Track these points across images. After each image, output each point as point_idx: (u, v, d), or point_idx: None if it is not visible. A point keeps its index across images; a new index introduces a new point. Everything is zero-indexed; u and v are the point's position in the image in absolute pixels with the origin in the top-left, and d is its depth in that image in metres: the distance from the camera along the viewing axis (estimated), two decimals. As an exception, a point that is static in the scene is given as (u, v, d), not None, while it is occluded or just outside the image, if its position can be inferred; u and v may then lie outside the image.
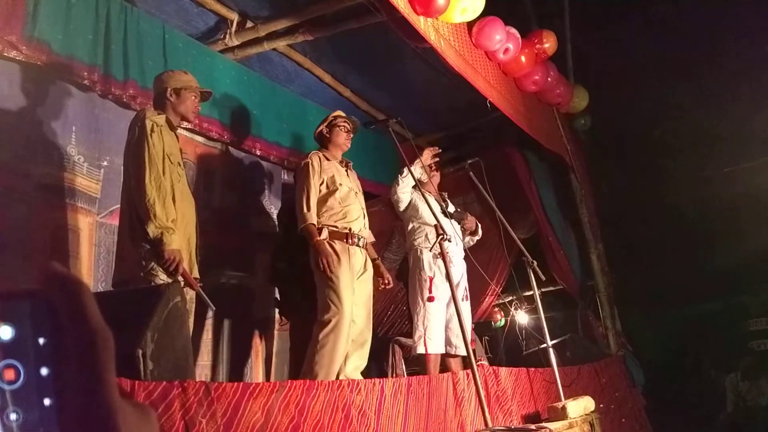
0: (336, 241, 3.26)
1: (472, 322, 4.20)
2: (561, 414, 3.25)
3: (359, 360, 3.27)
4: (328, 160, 3.46)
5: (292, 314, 3.90)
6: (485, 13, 3.62)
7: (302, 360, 3.40)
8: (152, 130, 2.66)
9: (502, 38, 3.97)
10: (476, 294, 5.09)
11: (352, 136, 3.59)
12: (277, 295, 4.02)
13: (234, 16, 3.92)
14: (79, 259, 3.06)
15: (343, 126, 3.54)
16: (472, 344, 3.74)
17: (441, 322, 3.67)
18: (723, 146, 5.93)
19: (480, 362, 3.67)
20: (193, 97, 2.94)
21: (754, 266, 6.18)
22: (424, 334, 3.58)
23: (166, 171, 2.66)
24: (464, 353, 3.38)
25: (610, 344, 5.63)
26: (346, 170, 3.54)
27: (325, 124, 3.57)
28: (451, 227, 3.80)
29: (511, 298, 5.78)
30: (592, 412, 3.54)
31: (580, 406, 3.41)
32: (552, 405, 3.38)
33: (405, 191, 3.79)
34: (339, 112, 3.63)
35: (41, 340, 0.35)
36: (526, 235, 5.36)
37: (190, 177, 3.64)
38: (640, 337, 6.20)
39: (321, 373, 2.99)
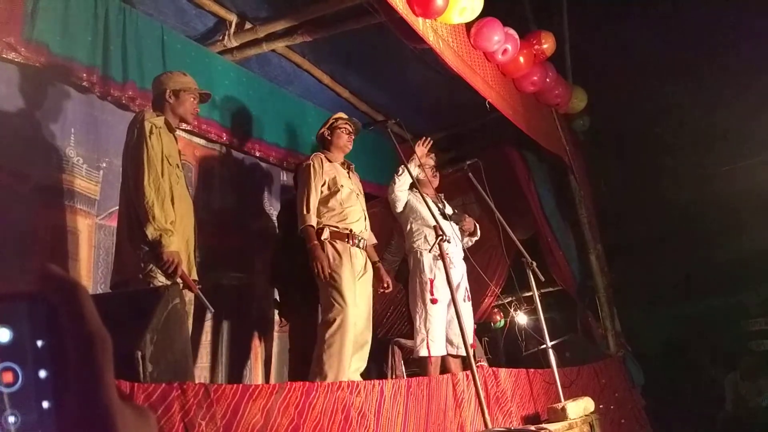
0: (337, 241, 3.27)
1: (474, 324, 4.20)
2: (561, 415, 3.25)
3: (359, 361, 3.27)
4: (330, 161, 3.49)
5: (291, 315, 3.90)
6: (483, 14, 3.62)
7: (302, 361, 3.40)
8: (151, 132, 2.66)
9: (500, 39, 3.98)
10: (476, 295, 5.09)
11: (353, 138, 3.60)
12: (277, 296, 4.02)
13: (233, 18, 3.92)
14: (78, 260, 3.06)
15: (345, 128, 3.56)
16: (473, 345, 3.74)
17: (443, 324, 3.67)
18: (723, 145, 5.94)
19: (479, 363, 3.67)
20: (192, 99, 2.94)
21: (754, 265, 6.19)
22: (427, 336, 3.58)
23: (164, 173, 2.66)
24: (464, 353, 3.38)
25: (610, 345, 5.63)
26: (348, 172, 3.56)
27: (327, 126, 3.58)
28: (450, 228, 3.80)
29: (510, 299, 5.78)
30: (591, 412, 3.53)
31: (580, 407, 3.40)
32: (552, 406, 3.38)
33: (402, 190, 3.79)
34: (341, 114, 3.64)
35: (39, 343, 0.35)
36: (525, 236, 5.36)
37: (189, 179, 3.64)
38: (640, 337, 6.20)
39: (331, 374, 2.99)
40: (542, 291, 4.34)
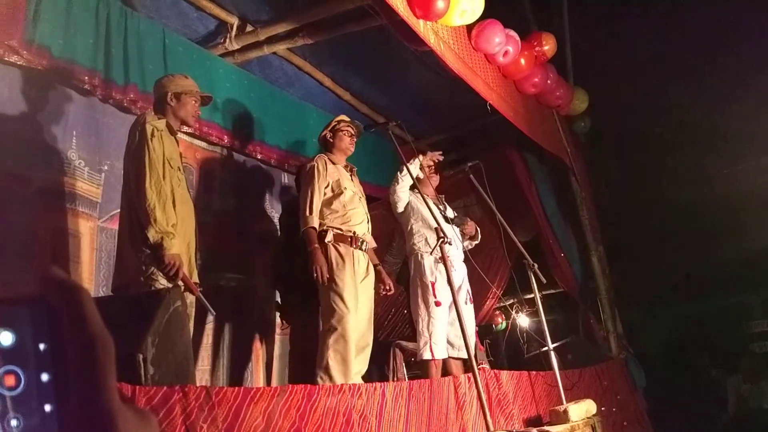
0: (340, 244, 3.27)
1: (475, 326, 4.19)
2: (563, 417, 3.24)
3: (360, 364, 3.26)
4: (333, 164, 3.49)
5: (292, 318, 3.90)
6: (484, 16, 3.62)
7: (303, 364, 3.39)
8: (152, 135, 2.66)
9: (501, 41, 3.98)
10: (477, 297, 5.08)
11: (355, 140, 3.61)
12: (278, 299, 4.02)
13: (234, 20, 3.93)
14: (80, 263, 3.06)
15: (347, 130, 3.56)
16: (480, 348, 3.73)
17: (445, 327, 3.67)
18: (723, 145, 5.93)
19: (481, 366, 3.66)
20: (194, 102, 2.94)
21: (755, 266, 6.17)
22: (430, 339, 3.57)
23: (166, 175, 2.66)
24: (465, 356, 3.38)
25: (612, 347, 5.62)
26: (350, 175, 3.56)
27: (329, 128, 3.59)
28: (451, 230, 3.80)
29: (512, 301, 5.77)
30: (593, 415, 3.53)
31: (582, 410, 3.40)
32: (554, 408, 3.37)
33: (404, 190, 3.79)
34: (343, 117, 3.65)
35: (42, 346, 0.35)
36: (527, 238, 5.35)
37: (190, 181, 3.64)
38: (641, 339, 6.19)
39: (338, 380, 2.99)
40: (544, 293, 4.33)
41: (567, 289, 5.75)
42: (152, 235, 2.53)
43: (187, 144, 3.72)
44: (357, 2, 3.60)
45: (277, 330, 4.14)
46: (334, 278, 3.17)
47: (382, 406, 2.27)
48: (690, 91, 5.73)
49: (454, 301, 3.18)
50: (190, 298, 2.70)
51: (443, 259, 3.20)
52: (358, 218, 3.39)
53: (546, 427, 3.04)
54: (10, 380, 0.34)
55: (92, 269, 3.12)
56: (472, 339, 3.63)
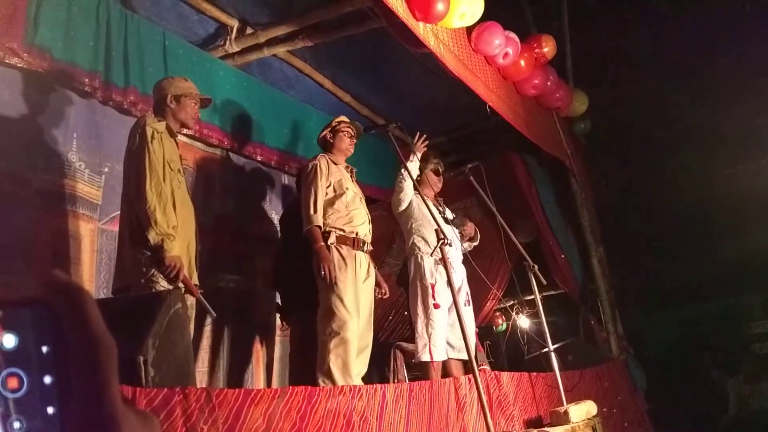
0: (343, 246, 3.25)
1: (475, 327, 4.19)
2: (563, 419, 3.24)
3: (360, 365, 3.25)
4: (335, 164, 3.47)
5: (293, 319, 3.89)
6: (484, 18, 3.63)
7: (303, 365, 3.39)
8: (152, 137, 2.67)
9: (501, 43, 3.98)
10: (478, 298, 5.08)
11: (355, 141, 3.60)
12: (278, 300, 4.02)
13: (234, 23, 3.94)
14: (81, 265, 3.06)
15: (347, 131, 3.54)
16: (480, 349, 3.73)
17: (444, 329, 3.66)
18: (725, 147, 5.93)
19: (482, 367, 3.66)
20: (193, 104, 2.94)
21: (756, 267, 6.17)
22: (429, 341, 3.57)
23: (166, 178, 2.66)
24: (466, 357, 3.38)
25: (612, 348, 5.62)
26: (351, 176, 3.55)
27: (329, 129, 3.57)
28: (451, 231, 3.80)
29: (512, 302, 5.77)
30: (594, 416, 3.53)
31: (583, 411, 3.40)
32: (554, 410, 3.37)
33: (408, 195, 3.79)
34: (342, 118, 3.64)
35: (44, 349, 0.35)
36: (527, 240, 5.35)
37: (190, 183, 3.64)
38: (642, 340, 6.18)
39: (339, 384, 2.98)
40: (544, 294, 4.33)
41: (567, 290, 5.75)
42: (153, 237, 2.54)
43: (186, 146, 3.72)
44: (357, 4, 3.60)
45: (278, 332, 4.14)
46: (336, 281, 3.15)
47: (383, 407, 2.27)
48: (690, 92, 5.73)
49: (455, 303, 3.17)
50: (191, 300, 2.70)
51: (443, 260, 3.19)
52: (360, 219, 3.37)
53: (546, 428, 3.04)
54: (12, 383, 0.34)
55: (93, 271, 3.12)
56: (472, 340, 3.63)
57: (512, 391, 3.34)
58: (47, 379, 0.35)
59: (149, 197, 2.57)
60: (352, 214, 3.34)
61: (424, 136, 3.89)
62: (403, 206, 3.82)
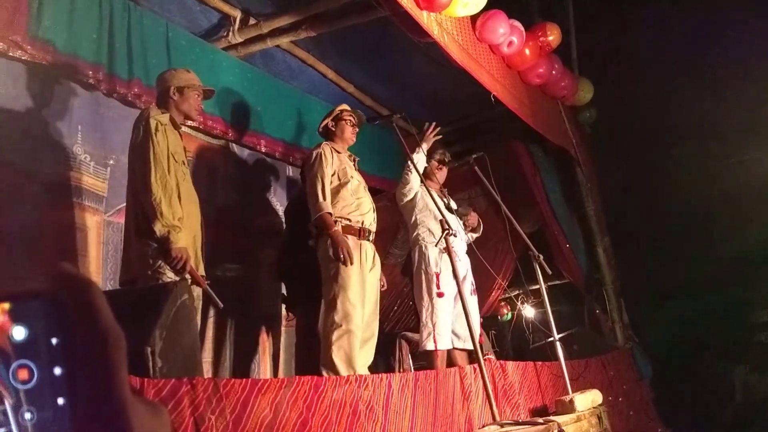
0: (349, 237, 3.21)
1: (480, 317, 4.20)
2: (569, 407, 3.25)
3: (366, 356, 3.26)
4: (338, 153, 3.42)
5: (298, 310, 3.91)
6: (488, 7, 3.60)
7: (309, 355, 3.40)
8: (157, 129, 2.67)
9: (505, 31, 3.96)
10: (482, 288, 5.08)
11: (357, 130, 3.57)
12: (284, 291, 4.03)
13: (237, 14, 3.92)
14: (88, 257, 3.08)
15: (349, 120, 3.50)
16: (481, 339, 3.74)
17: (449, 318, 3.67)
18: (729, 137, 5.89)
19: (487, 356, 3.68)
20: (196, 96, 2.94)
21: (761, 256, 6.14)
22: (434, 330, 3.57)
23: (171, 170, 2.67)
24: (471, 347, 3.39)
25: (618, 337, 5.62)
26: (354, 164, 3.51)
27: (331, 117, 3.53)
28: (455, 222, 3.80)
29: (517, 292, 5.77)
30: (599, 405, 3.53)
31: (588, 399, 3.41)
32: (560, 398, 3.39)
33: (413, 187, 3.79)
34: (344, 106, 3.60)
35: (54, 340, 0.36)
36: (532, 229, 5.34)
37: (193, 175, 3.65)
38: (647, 330, 6.18)
39: (342, 372, 2.98)
40: (549, 284, 4.33)
41: (572, 280, 5.75)
42: (159, 229, 2.55)
43: (190, 137, 3.72)
44: (360, -6, 3.59)
45: (283, 322, 4.16)
46: (340, 272, 3.13)
47: (389, 396, 2.29)
48: (696, 81, 5.69)
49: (459, 293, 3.18)
50: (197, 291, 2.72)
51: (448, 250, 3.19)
52: (365, 207, 3.34)
53: (552, 417, 3.05)
54: (23, 374, 0.35)
55: (99, 263, 3.14)
56: (477, 330, 3.64)
57: (517, 380, 3.35)
58: (57, 371, 0.35)
59: (154, 189, 2.57)
60: (357, 203, 3.31)
61: (434, 125, 3.86)
62: (408, 198, 3.82)
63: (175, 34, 3.62)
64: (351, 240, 3.22)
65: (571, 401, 3.26)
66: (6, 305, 0.35)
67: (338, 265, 3.14)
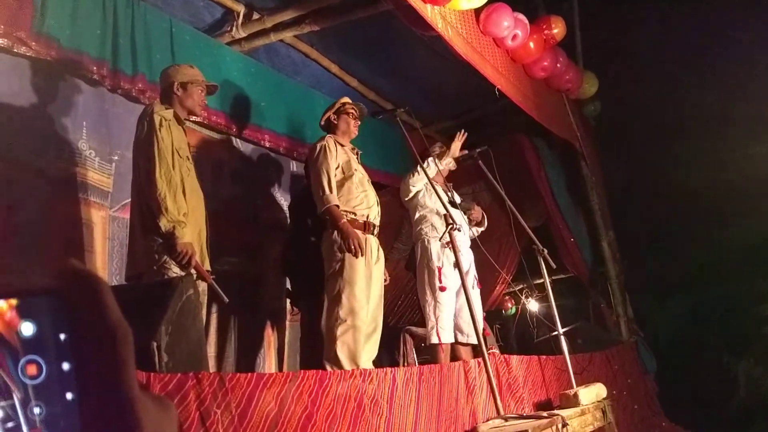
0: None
1: (483, 311, 4.20)
2: (573, 401, 3.25)
3: (371, 350, 3.26)
4: (342, 145, 3.40)
5: (303, 304, 3.93)
6: (492, 0, 3.59)
7: (314, 349, 3.41)
8: (161, 125, 2.67)
9: (509, 25, 3.94)
10: (487, 282, 5.09)
11: (359, 123, 3.54)
12: (289, 286, 4.04)
13: (240, 8, 3.92)
14: (94, 252, 3.09)
15: (351, 112, 3.47)
16: (485, 332, 3.75)
17: (451, 312, 3.68)
18: (735, 129, 5.86)
19: (491, 350, 3.68)
20: (200, 91, 2.94)
21: (767, 249, 6.11)
22: (437, 324, 3.58)
23: (175, 165, 2.67)
24: (475, 341, 3.39)
25: (622, 331, 5.62)
26: (357, 157, 3.49)
27: (333, 110, 3.49)
28: (459, 216, 3.79)
29: (521, 286, 5.77)
30: (604, 398, 3.54)
31: (592, 393, 3.41)
32: (564, 392, 3.39)
33: (418, 186, 3.79)
34: (346, 99, 3.56)
35: (62, 336, 0.36)
36: (537, 224, 5.34)
37: (197, 170, 3.65)
38: (652, 324, 6.17)
39: (346, 367, 2.98)
40: (554, 278, 4.33)
41: (577, 274, 5.75)
42: (164, 224, 2.55)
43: (194, 132, 3.72)
44: (364, -12, 3.58)
45: (288, 317, 4.17)
46: (346, 267, 3.10)
47: (393, 390, 2.30)
48: (701, 73, 5.66)
49: (464, 287, 3.18)
50: (202, 286, 2.73)
51: (452, 244, 3.19)
52: (370, 201, 3.31)
53: (556, 411, 3.06)
54: (32, 369, 0.35)
55: (105, 258, 3.16)
56: (481, 324, 3.64)
57: (522, 374, 3.35)
58: (65, 366, 0.36)
59: (159, 185, 2.58)
60: (362, 197, 3.28)
61: (464, 133, 3.86)
62: (412, 194, 3.82)
63: (179, 29, 3.62)
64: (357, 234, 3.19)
65: (576, 395, 3.27)
66: (14, 301, 0.36)
67: (344, 259, 3.11)
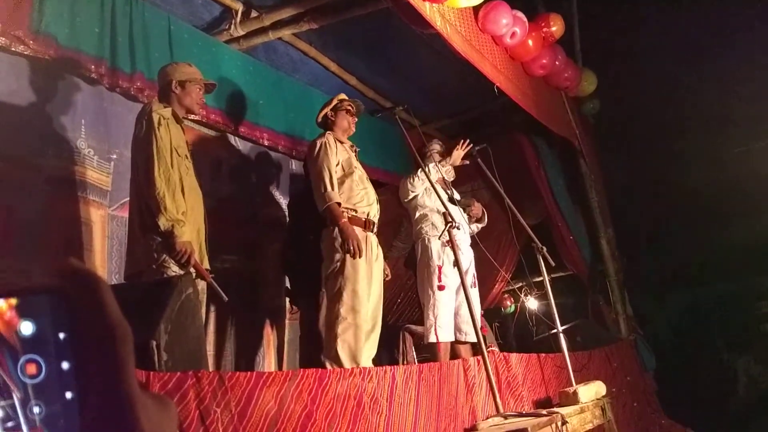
0: (355, 228, 3.15)
1: (482, 309, 4.21)
2: (572, 399, 3.26)
3: (370, 348, 3.26)
4: (341, 143, 3.37)
5: (302, 302, 3.92)
6: (491, -2, 3.59)
7: (313, 348, 3.41)
8: (159, 123, 2.67)
9: (508, 22, 3.94)
10: (486, 280, 5.10)
11: (356, 119, 3.50)
12: (288, 284, 4.04)
13: (239, 6, 3.91)
14: (93, 251, 3.09)
15: (349, 109, 3.44)
16: (483, 331, 3.75)
17: (451, 310, 3.68)
18: (735, 126, 5.87)
19: (490, 348, 3.68)
20: (198, 89, 2.94)
21: (766, 247, 6.12)
22: (435, 322, 3.58)
23: (174, 164, 2.67)
24: (474, 340, 3.39)
25: (621, 329, 5.63)
26: (355, 155, 3.47)
27: (330, 107, 3.46)
28: (459, 214, 3.79)
29: (520, 284, 5.78)
30: (603, 396, 3.54)
31: (592, 391, 3.41)
32: (563, 390, 3.39)
33: (418, 191, 3.79)
34: (342, 95, 3.53)
35: (61, 335, 0.36)
36: (536, 221, 5.34)
37: (195, 168, 3.65)
38: (651, 321, 6.18)
39: (347, 365, 2.98)
40: (553, 276, 4.33)
41: (576, 271, 5.75)
42: (163, 223, 2.55)
43: (192, 131, 3.72)
44: (362, -15, 3.57)
45: (288, 315, 4.17)
46: (347, 265, 3.08)
47: (393, 389, 2.30)
48: (700, 71, 5.66)
49: (463, 285, 3.17)
50: (201, 285, 2.73)
51: (451, 243, 3.19)
52: (370, 198, 3.30)
53: (556, 409, 3.06)
54: (31, 369, 0.35)
55: (104, 257, 3.15)
56: (479, 322, 3.64)
57: (521, 372, 3.36)
58: (65, 365, 0.36)
59: (158, 183, 2.58)
60: (363, 194, 3.26)
61: (467, 142, 3.85)
62: (411, 196, 3.82)
63: (177, 27, 3.62)
64: (358, 231, 3.16)
65: (575, 393, 3.27)
66: (13, 300, 0.35)
67: (345, 257, 3.08)
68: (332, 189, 3.13)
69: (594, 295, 5.83)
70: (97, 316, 0.35)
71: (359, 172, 3.34)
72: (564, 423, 2.79)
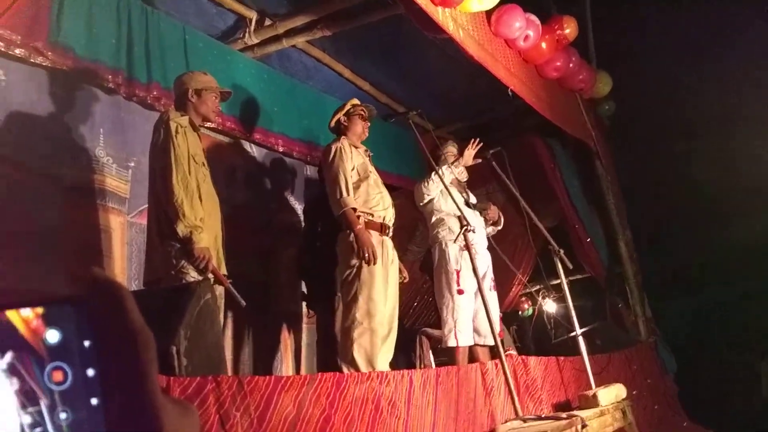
0: (371, 232, 3.15)
1: (500, 312, 4.18)
2: (592, 402, 3.23)
3: (387, 352, 3.26)
4: (355, 147, 3.38)
5: (319, 307, 3.93)
6: (503, 1, 3.58)
7: (330, 352, 3.41)
8: (177, 132, 2.70)
9: (521, 25, 3.93)
10: (503, 284, 5.07)
11: (369, 124, 3.50)
12: (304, 289, 4.06)
13: (253, 15, 3.95)
14: (113, 258, 3.13)
15: (361, 114, 3.45)
16: (501, 334, 3.73)
17: (470, 314, 3.66)
18: (750, 127, 5.78)
19: (508, 352, 3.66)
20: (214, 98, 2.97)
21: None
22: (455, 327, 3.57)
23: (191, 171, 2.70)
24: (492, 343, 3.37)
25: (641, 331, 5.56)
26: (369, 159, 3.47)
27: (343, 112, 3.46)
28: (474, 217, 3.78)
29: (538, 287, 5.74)
30: (623, 399, 3.50)
31: (612, 394, 3.38)
32: (583, 393, 3.36)
33: (433, 195, 3.79)
34: (355, 101, 3.53)
35: (86, 343, 0.37)
36: (552, 224, 5.31)
37: (211, 175, 3.69)
38: (671, 324, 6.10)
39: (363, 369, 2.97)
40: (570, 278, 4.30)
41: (594, 274, 5.70)
42: (181, 229, 2.58)
43: (208, 138, 3.75)
44: (374, -9, 3.59)
45: (305, 319, 4.19)
46: (363, 269, 3.08)
47: (410, 393, 2.29)
48: (700, 72, 5.60)
49: (480, 289, 3.16)
50: (219, 290, 2.75)
51: (467, 247, 3.18)
52: (386, 203, 3.30)
53: (575, 412, 3.03)
54: (57, 376, 0.36)
55: (124, 264, 3.19)
56: (498, 326, 3.62)
57: (540, 375, 3.33)
58: (90, 372, 0.36)
59: (176, 191, 2.61)
60: (379, 198, 3.26)
61: (478, 141, 3.83)
62: (427, 200, 3.81)
63: (192, 36, 3.66)
64: (374, 236, 3.16)
65: (595, 396, 3.24)
66: (40, 310, 0.36)
67: (361, 261, 3.08)
68: (347, 194, 3.14)
69: (612, 298, 5.77)
70: (121, 324, 0.36)
71: (374, 176, 3.35)
72: (584, 426, 2.76)
